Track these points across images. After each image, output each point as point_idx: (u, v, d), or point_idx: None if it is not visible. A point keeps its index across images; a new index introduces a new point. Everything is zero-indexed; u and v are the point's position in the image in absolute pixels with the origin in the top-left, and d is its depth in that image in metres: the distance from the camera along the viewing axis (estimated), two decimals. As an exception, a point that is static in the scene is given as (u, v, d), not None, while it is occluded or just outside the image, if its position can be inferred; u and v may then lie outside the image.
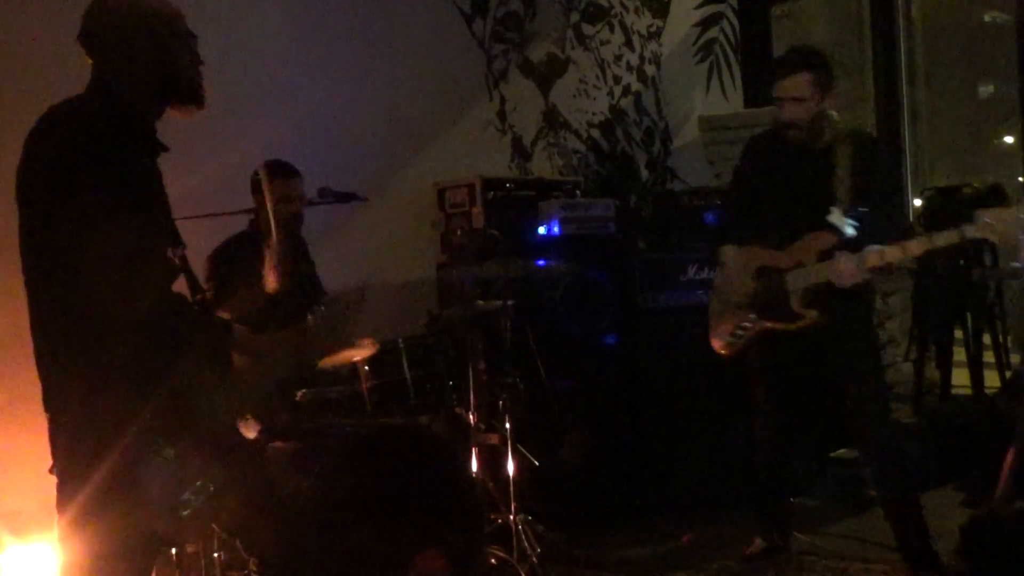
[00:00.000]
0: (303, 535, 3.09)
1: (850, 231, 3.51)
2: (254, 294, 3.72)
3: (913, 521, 3.76)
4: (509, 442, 4.14)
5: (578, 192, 5.68)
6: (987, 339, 5.97)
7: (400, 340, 4.00)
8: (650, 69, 6.99)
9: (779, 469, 4.05)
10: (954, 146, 8.69)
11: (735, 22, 7.58)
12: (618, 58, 6.78)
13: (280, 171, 3.97)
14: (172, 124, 2.54)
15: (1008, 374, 5.94)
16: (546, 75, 6.34)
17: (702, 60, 7.37)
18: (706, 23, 7.40)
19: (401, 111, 5.50)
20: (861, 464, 4.82)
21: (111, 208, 2.21)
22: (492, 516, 4.15)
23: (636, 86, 6.89)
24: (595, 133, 6.61)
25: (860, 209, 3.54)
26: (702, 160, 6.89)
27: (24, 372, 2.37)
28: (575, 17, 6.52)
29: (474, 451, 4.26)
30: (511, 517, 4.09)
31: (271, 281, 3.25)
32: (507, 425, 4.15)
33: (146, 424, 2.23)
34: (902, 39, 7.37)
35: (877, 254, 3.43)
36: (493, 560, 3.97)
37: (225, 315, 3.75)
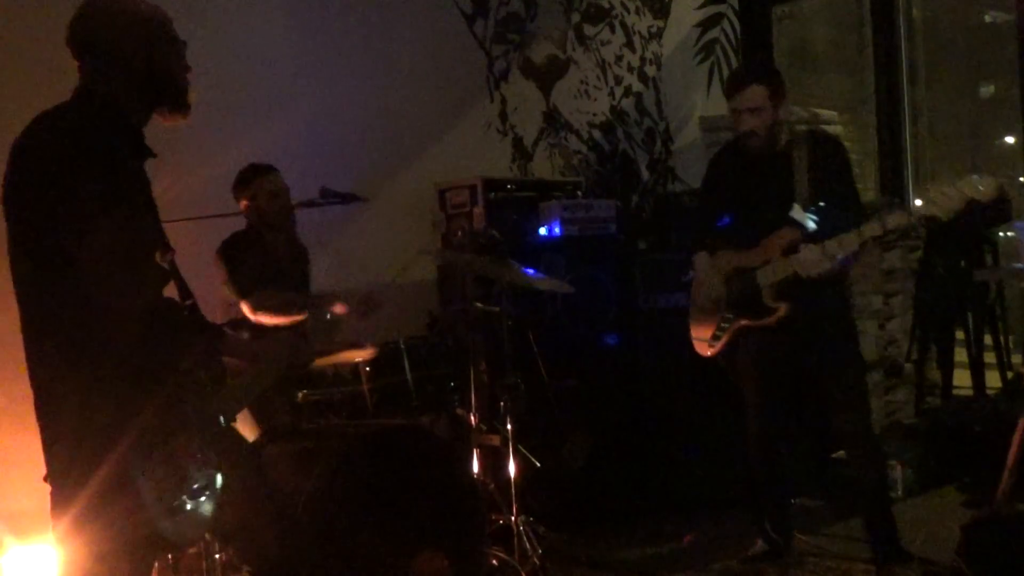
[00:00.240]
0: (303, 537, 3.09)
1: (811, 224, 3.67)
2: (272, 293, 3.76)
3: (887, 517, 3.85)
4: (510, 443, 4.14)
5: (579, 193, 5.69)
6: (988, 340, 5.97)
7: (401, 341, 4.00)
8: (651, 70, 6.99)
9: (774, 468, 4.08)
10: (955, 146, 8.69)
11: (736, 23, 7.58)
12: (619, 59, 6.78)
13: (258, 171, 4.02)
14: (173, 125, 2.54)
15: (1009, 375, 5.94)
16: (547, 76, 6.34)
17: (703, 61, 7.37)
18: (707, 24, 7.40)
19: (402, 111, 5.50)
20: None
21: (102, 206, 2.20)
22: (493, 517, 4.15)
23: (637, 87, 6.90)
24: (596, 134, 6.61)
25: (820, 204, 3.70)
26: (703, 161, 6.85)
27: (22, 374, 2.36)
28: (576, 18, 6.52)
29: (475, 452, 4.26)
30: (512, 518, 4.09)
31: None
32: (508, 426, 4.15)
33: (142, 429, 2.23)
34: (903, 39, 7.37)
35: (836, 241, 3.58)
36: (494, 561, 3.96)
37: (246, 306, 3.81)
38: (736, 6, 7.58)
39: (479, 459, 4.28)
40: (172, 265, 2.47)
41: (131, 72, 2.40)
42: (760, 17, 7.66)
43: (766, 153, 3.84)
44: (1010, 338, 6.11)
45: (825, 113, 7.23)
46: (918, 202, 6.76)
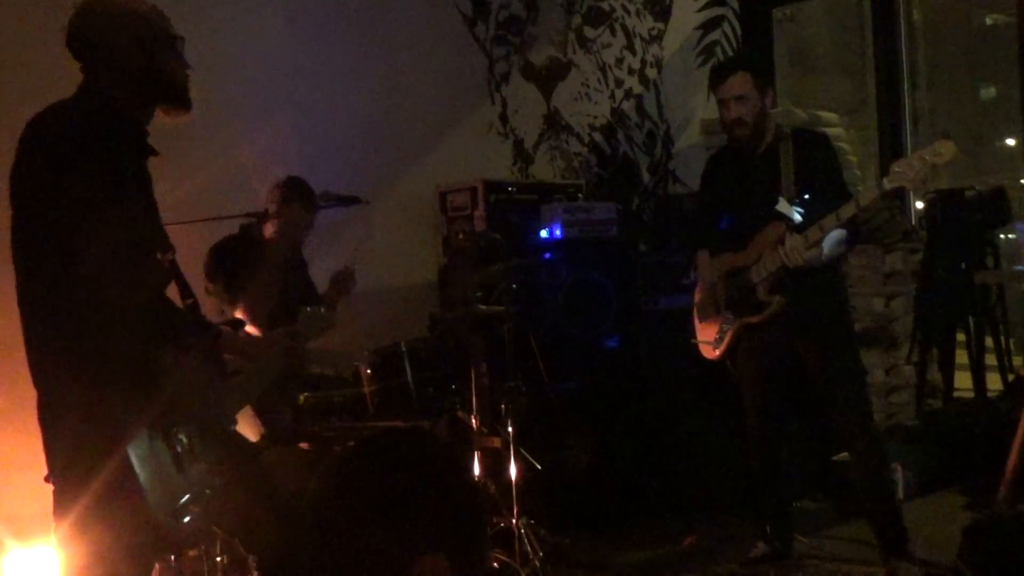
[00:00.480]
0: (305, 538, 3.09)
1: (797, 217, 3.71)
2: (263, 295, 3.74)
3: (892, 513, 3.86)
4: (511, 445, 4.14)
5: (580, 195, 5.69)
6: (989, 342, 5.96)
7: (402, 343, 4.00)
8: (652, 72, 6.99)
9: (774, 470, 4.08)
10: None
11: (736, 25, 7.58)
12: (620, 61, 6.78)
13: (310, 204, 4.06)
14: (174, 127, 2.54)
15: (1010, 377, 5.93)
16: (548, 78, 6.34)
17: (704, 63, 7.36)
18: (707, 26, 7.40)
19: (403, 114, 5.50)
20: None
21: (103, 202, 2.21)
22: (494, 519, 4.15)
23: (638, 89, 6.90)
24: (597, 136, 6.61)
25: (805, 197, 3.74)
26: (704, 163, 6.89)
27: (25, 376, 2.37)
28: (577, 20, 6.52)
29: (476, 454, 4.25)
30: (513, 520, 4.09)
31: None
32: (509, 428, 4.15)
33: (144, 429, 2.23)
34: (904, 41, 7.37)
35: (817, 226, 3.62)
36: (495, 564, 3.96)
37: (240, 312, 3.80)
38: (737, 8, 7.58)
39: (480, 461, 4.27)
40: (173, 265, 2.47)
41: (130, 70, 2.42)
42: (761, 19, 7.66)
43: (754, 151, 3.87)
44: (1011, 340, 6.11)
45: (826, 115, 7.23)
46: (920, 204, 6.79)
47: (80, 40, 2.43)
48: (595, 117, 6.61)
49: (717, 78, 3.90)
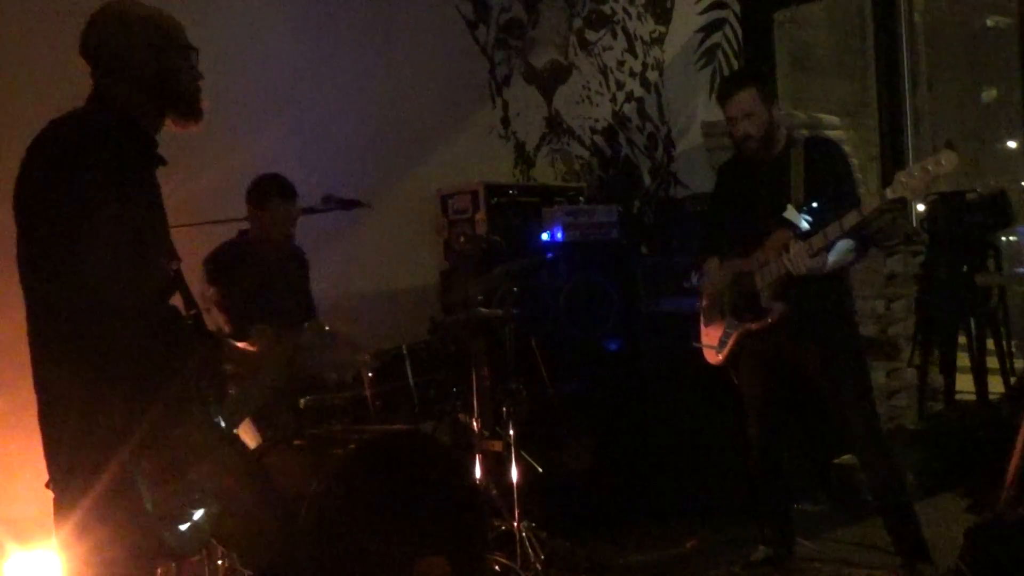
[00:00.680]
0: (306, 541, 3.09)
1: (804, 225, 3.71)
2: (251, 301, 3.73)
3: (905, 519, 3.83)
4: (512, 448, 4.14)
5: (581, 198, 5.69)
6: (990, 344, 5.96)
7: (404, 347, 4.00)
8: (653, 75, 7.00)
9: (774, 473, 4.08)
10: (957, 151, 8.69)
11: (737, 28, 7.59)
12: (621, 64, 6.79)
13: (284, 194, 4.00)
14: (181, 132, 2.54)
15: (1012, 379, 5.93)
16: (549, 81, 6.35)
17: (705, 66, 7.37)
18: (709, 29, 7.40)
19: (404, 118, 5.50)
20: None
21: (110, 210, 2.21)
22: (496, 523, 4.15)
23: (639, 92, 6.90)
24: (598, 139, 6.62)
25: (814, 205, 3.74)
26: (705, 166, 6.90)
27: (26, 380, 2.37)
28: (578, 23, 6.53)
29: (477, 458, 4.26)
30: (515, 524, 4.09)
31: None
32: (510, 431, 4.15)
33: (145, 435, 2.23)
34: (905, 44, 7.38)
35: (821, 234, 3.62)
36: (497, 567, 3.96)
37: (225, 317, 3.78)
38: (738, 11, 7.59)
39: (481, 465, 4.28)
40: (178, 274, 2.48)
41: (142, 79, 2.41)
42: (762, 22, 7.66)
43: (765, 157, 3.88)
44: (1012, 343, 6.11)
45: (827, 118, 7.23)
46: (921, 207, 6.79)
47: (94, 47, 2.42)
48: (596, 120, 6.62)
49: (723, 95, 3.92)
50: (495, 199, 5.29)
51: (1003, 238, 6.25)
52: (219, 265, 3.97)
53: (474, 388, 4.28)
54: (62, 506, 2.29)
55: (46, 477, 2.34)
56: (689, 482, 4.96)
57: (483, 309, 4.34)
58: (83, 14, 2.46)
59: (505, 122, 6.08)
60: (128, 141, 2.37)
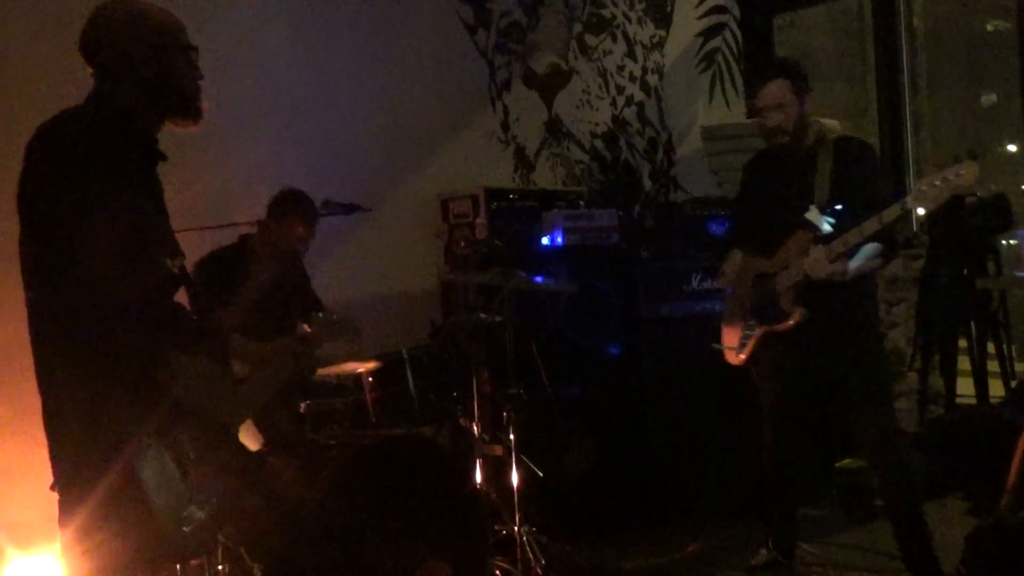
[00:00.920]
0: (308, 546, 3.09)
1: (826, 227, 3.65)
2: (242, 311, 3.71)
3: (916, 529, 3.78)
4: (513, 453, 4.13)
5: (581, 202, 5.69)
6: (991, 348, 5.95)
7: (404, 351, 4.00)
8: (653, 79, 7.00)
9: (785, 477, 4.05)
10: (957, 155, 8.70)
11: (737, 32, 7.59)
12: (621, 68, 6.79)
13: (308, 216, 3.99)
14: (177, 135, 2.55)
15: (1013, 383, 5.92)
16: (549, 86, 6.35)
17: (705, 70, 7.38)
18: (708, 33, 7.41)
19: (404, 122, 5.51)
20: (869, 472, 4.84)
21: (112, 208, 2.21)
22: (496, 527, 4.15)
23: (639, 96, 6.91)
24: (598, 143, 6.62)
25: (837, 207, 3.67)
26: (705, 170, 6.90)
27: (27, 384, 2.37)
28: (578, 28, 6.54)
29: (478, 462, 4.26)
30: (515, 528, 4.08)
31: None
32: (511, 436, 4.15)
33: (149, 437, 2.23)
34: (904, 48, 7.37)
35: (841, 240, 3.56)
36: (498, 571, 3.96)
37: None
38: (738, 16, 7.59)
39: (482, 469, 4.27)
40: (182, 271, 2.47)
41: (141, 78, 2.41)
42: (762, 26, 7.67)
43: (793, 152, 3.82)
44: (1013, 347, 6.10)
45: (827, 122, 7.21)
46: (921, 210, 6.78)
47: (94, 44, 2.42)
48: (596, 124, 6.62)
49: (755, 86, 3.87)
50: (495, 203, 5.29)
51: (1003, 241, 6.24)
52: (213, 272, 3.94)
53: (474, 392, 4.28)
54: (66, 508, 2.29)
55: (47, 482, 2.34)
56: (690, 486, 4.95)
57: (483, 313, 4.34)
58: (84, 12, 2.45)
59: (505, 126, 6.08)
60: (127, 139, 2.37)
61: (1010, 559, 3.41)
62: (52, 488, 2.33)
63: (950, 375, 5.97)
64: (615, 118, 6.74)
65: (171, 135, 2.52)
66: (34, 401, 2.35)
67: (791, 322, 3.75)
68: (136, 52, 2.40)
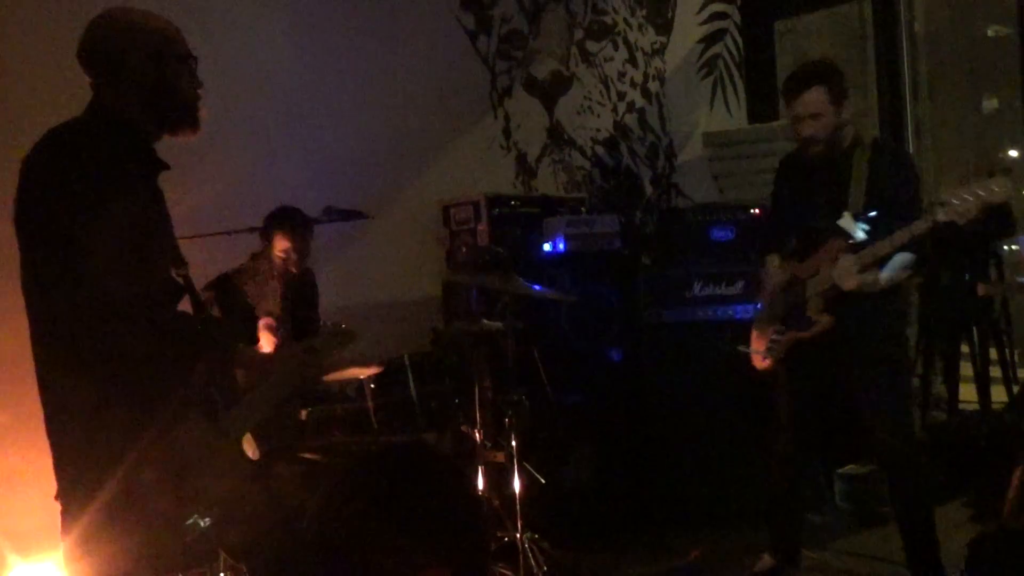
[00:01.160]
0: (308, 553, 3.08)
1: (860, 235, 3.53)
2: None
3: (925, 537, 3.77)
4: (515, 459, 4.13)
5: (583, 208, 5.69)
6: (993, 354, 5.95)
7: (406, 357, 4.00)
8: (654, 86, 7.01)
9: (796, 484, 4.03)
10: (958, 160, 8.69)
11: (738, 38, 7.61)
12: (622, 75, 6.80)
13: (295, 227, 4.03)
14: (178, 142, 2.55)
15: (1015, 388, 5.92)
16: (550, 92, 6.36)
17: (706, 76, 7.39)
18: (710, 40, 7.42)
19: (406, 128, 5.51)
20: (872, 478, 4.84)
21: (113, 220, 2.20)
22: (498, 534, 4.14)
23: (640, 102, 6.91)
24: (599, 149, 6.63)
25: (871, 214, 3.56)
26: (706, 176, 6.91)
27: (28, 392, 2.37)
28: (579, 34, 6.55)
29: (480, 469, 4.25)
30: (517, 535, 4.08)
31: None
32: (513, 442, 4.14)
33: (150, 445, 2.23)
34: (905, 54, 7.38)
35: (871, 250, 3.46)
36: (499, 578, 3.96)
37: None
38: (739, 22, 7.61)
39: (484, 475, 4.27)
40: (186, 279, 2.47)
41: (139, 87, 2.40)
42: (763, 32, 7.68)
43: (827, 158, 3.69)
44: (1015, 352, 6.09)
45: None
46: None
47: (92, 52, 2.42)
48: (598, 130, 6.63)
49: (790, 93, 3.64)
50: (497, 210, 5.30)
51: (1005, 247, 6.24)
52: (223, 294, 3.98)
53: (476, 399, 4.28)
54: (68, 516, 2.29)
55: (48, 489, 2.34)
56: (692, 493, 4.94)
57: (485, 320, 4.34)
58: (84, 20, 2.45)
59: (507, 133, 6.09)
60: (127, 148, 2.37)
61: (1013, 565, 3.40)
62: (56, 498, 2.32)
63: (952, 381, 5.97)
64: (616, 124, 6.74)
65: (171, 142, 2.52)
66: (36, 409, 2.35)
67: (817, 329, 3.69)
68: (134, 61, 2.39)
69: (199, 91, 2.50)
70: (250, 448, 3.56)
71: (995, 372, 5.95)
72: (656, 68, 7.03)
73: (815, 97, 3.58)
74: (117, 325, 2.21)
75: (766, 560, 4.07)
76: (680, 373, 5.05)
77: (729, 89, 7.52)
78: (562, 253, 5.11)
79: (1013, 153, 8.52)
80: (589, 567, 4.33)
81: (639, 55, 6.92)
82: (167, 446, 2.28)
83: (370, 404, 3.88)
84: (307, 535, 3.15)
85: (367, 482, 3.44)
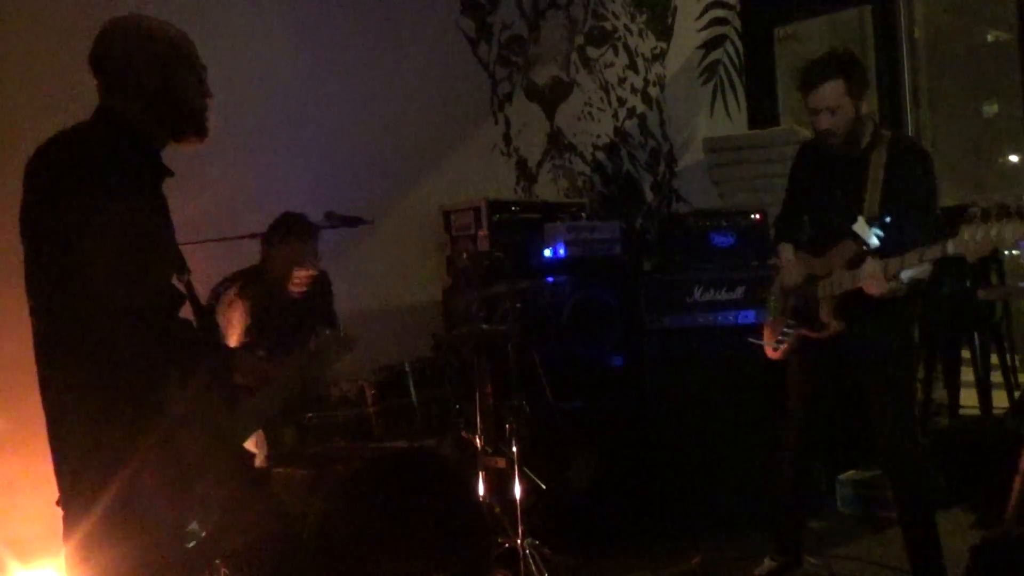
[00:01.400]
0: (310, 559, 3.08)
1: (874, 241, 3.47)
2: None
3: (928, 541, 3.75)
4: (516, 465, 4.13)
5: (583, 214, 5.69)
6: (994, 359, 5.94)
7: (406, 363, 4.00)
8: (654, 91, 7.02)
9: (801, 484, 4.01)
10: (959, 165, 8.69)
11: (739, 44, 7.62)
12: (622, 80, 6.81)
13: (292, 232, 4.01)
14: (184, 150, 2.55)
15: (1017, 394, 5.91)
16: (551, 98, 6.36)
17: (706, 82, 7.40)
18: (710, 45, 7.43)
19: (406, 134, 5.51)
20: (874, 484, 4.83)
21: (117, 225, 2.20)
22: (499, 540, 4.14)
23: (640, 108, 6.92)
24: (600, 155, 6.63)
25: (886, 219, 3.50)
26: (707, 181, 6.92)
27: (29, 398, 2.37)
28: (579, 40, 6.55)
29: (481, 474, 4.25)
30: (518, 541, 4.08)
31: None
32: (514, 448, 4.15)
33: (151, 451, 2.23)
34: (905, 59, 7.39)
35: (899, 259, 3.37)
36: (500, 584, 3.95)
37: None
38: (739, 27, 7.62)
39: (485, 481, 4.27)
40: (189, 286, 2.47)
41: (147, 94, 2.41)
42: (763, 38, 7.69)
43: (844, 153, 3.63)
44: (1016, 357, 6.09)
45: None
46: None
47: (102, 58, 2.42)
48: (598, 136, 6.63)
49: (807, 85, 3.54)
50: (497, 215, 5.29)
51: (1006, 252, 6.23)
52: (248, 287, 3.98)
53: (477, 405, 4.28)
54: (69, 522, 2.28)
55: (49, 495, 2.34)
56: (693, 498, 4.95)
57: (486, 326, 4.34)
58: (90, 25, 2.46)
59: (507, 138, 6.09)
60: (132, 155, 2.37)
61: (1015, 571, 3.40)
62: (58, 504, 2.32)
63: (954, 386, 5.97)
64: (617, 130, 6.75)
65: (173, 149, 2.53)
66: (36, 415, 2.35)
67: (826, 334, 3.67)
68: (142, 68, 2.40)
69: (208, 100, 2.51)
70: (260, 454, 3.57)
71: (996, 377, 5.95)
72: (656, 74, 7.04)
73: (833, 90, 3.50)
74: (119, 331, 2.21)
75: (767, 563, 4.07)
76: (681, 379, 5.05)
77: (729, 95, 7.53)
78: (562, 258, 5.11)
79: (1013, 158, 8.53)
80: (590, 573, 4.32)
81: (639, 61, 6.93)
82: (168, 452, 2.28)
83: (371, 410, 3.87)
84: (309, 541, 3.15)
85: (368, 487, 3.44)
